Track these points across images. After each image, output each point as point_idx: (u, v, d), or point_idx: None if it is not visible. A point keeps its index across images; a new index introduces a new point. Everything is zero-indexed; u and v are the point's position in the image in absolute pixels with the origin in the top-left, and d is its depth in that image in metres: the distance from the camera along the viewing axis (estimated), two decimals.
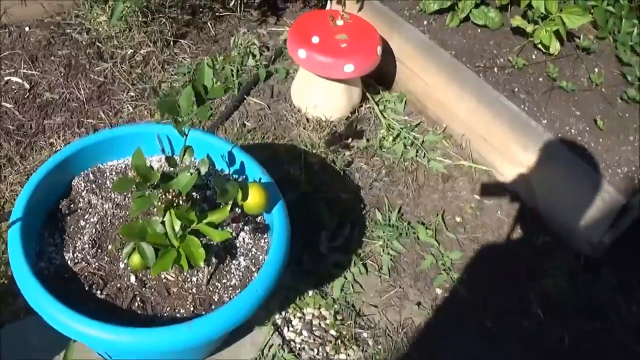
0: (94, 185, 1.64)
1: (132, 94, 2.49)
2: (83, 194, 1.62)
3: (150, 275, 1.48)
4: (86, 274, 1.47)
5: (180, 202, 1.37)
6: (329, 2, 2.70)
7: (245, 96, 2.55)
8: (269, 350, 1.82)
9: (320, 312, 1.94)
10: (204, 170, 1.49)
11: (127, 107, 2.44)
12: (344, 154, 2.36)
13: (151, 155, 1.72)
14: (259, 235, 1.60)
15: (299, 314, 1.93)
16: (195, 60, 2.67)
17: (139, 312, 1.43)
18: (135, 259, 1.41)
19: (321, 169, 2.30)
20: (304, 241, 2.05)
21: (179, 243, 1.36)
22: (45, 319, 1.34)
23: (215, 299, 1.47)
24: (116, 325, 1.31)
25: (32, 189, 1.52)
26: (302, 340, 1.88)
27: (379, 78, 2.60)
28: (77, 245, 1.52)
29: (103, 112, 2.40)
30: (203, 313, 1.44)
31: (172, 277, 1.49)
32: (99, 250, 1.52)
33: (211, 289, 1.48)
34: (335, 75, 2.33)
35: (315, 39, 2.31)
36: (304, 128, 2.43)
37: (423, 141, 2.43)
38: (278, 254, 1.47)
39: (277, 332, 1.86)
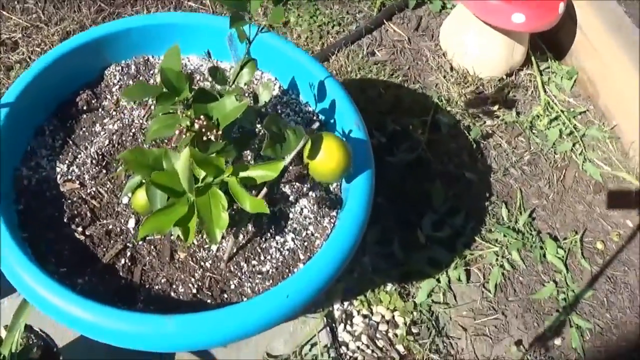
0: (131, 82, 1.19)
1: None
2: (113, 89, 1.19)
3: None
4: (75, 199, 1.05)
5: (213, 137, 0.91)
6: None
7: (385, 21, 2.03)
8: (309, 350, 1.38)
9: (393, 317, 1.48)
10: (264, 98, 1.00)
11: None
12: (484, 123, 1.81)
13: (223, 60, 1.27)
14: (326, 209, 1.10)
15: (365, 311, 1.48)
16: None
17: (120, 273, 0.99)
18: (140, 197, 0.98)
19: (450, 133, 1.77)
20: (401, 220, 1.60)
21: (196, 196, 0.89)
22: None
23: (232, 286, 1.00)
24: (66, 287, 0.90)
25: (44, 67, 1.11)
26: (357, 348, 1.43)
27: (551, 43, 2.00)
28: (78, 156, 1.10)
29: None
30: (208, 301, 0.98)
31: None
32: (104, 171, 1.08)
33: (232, 268, 1.02)
34: (499, 23, 1.76)
35: None
36: (444, 77, 1.89)
37: (584, 135, 1.83)
38: (338, 248, 0.97)
39: (328, 328, 1.41)
